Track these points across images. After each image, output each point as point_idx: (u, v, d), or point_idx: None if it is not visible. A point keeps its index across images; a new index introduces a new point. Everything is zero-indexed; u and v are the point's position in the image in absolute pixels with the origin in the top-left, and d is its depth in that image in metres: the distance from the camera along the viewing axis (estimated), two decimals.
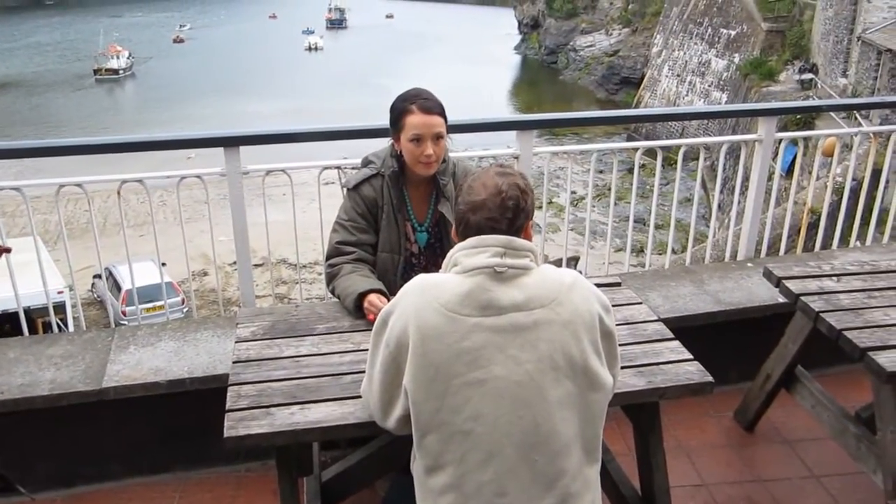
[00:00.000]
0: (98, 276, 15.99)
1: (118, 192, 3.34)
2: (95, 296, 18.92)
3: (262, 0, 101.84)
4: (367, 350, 1.89)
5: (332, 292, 2.61)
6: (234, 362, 2.24)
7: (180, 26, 75.40)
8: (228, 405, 2.03)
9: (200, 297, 17.71)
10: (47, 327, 8.08)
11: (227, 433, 1.93)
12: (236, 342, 2.35)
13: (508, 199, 1.75)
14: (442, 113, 2.54)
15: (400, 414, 1.76)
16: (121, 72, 54.30)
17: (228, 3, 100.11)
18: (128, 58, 56.14)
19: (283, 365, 2.22)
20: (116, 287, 17.15)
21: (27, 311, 3.52)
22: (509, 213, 1.75)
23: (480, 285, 1.69)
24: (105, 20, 77.07)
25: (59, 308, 13.69)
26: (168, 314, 3.71)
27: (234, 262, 3.69)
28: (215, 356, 3.01)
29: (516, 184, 1.77)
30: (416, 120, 2.50)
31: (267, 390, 2.10)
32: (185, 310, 15.73)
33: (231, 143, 3.31)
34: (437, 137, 2.52)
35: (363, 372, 1.94)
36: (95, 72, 53.48)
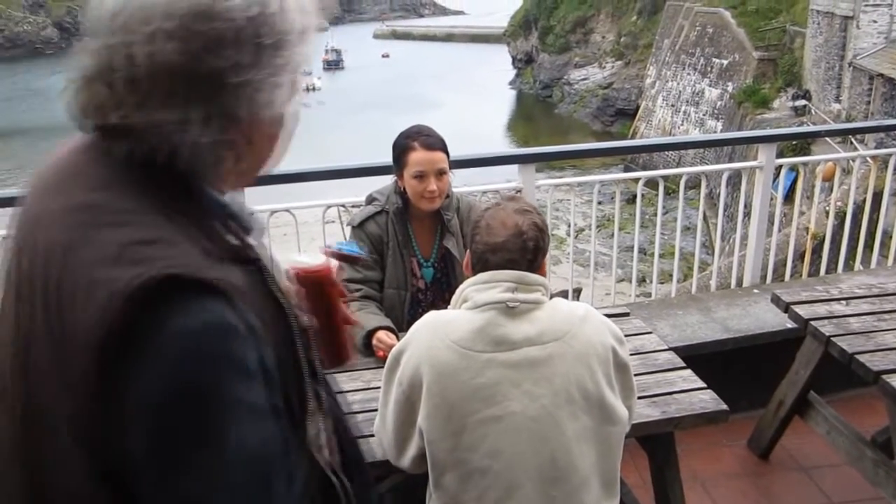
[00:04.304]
0: None
1: None
2: None
3: None
4: (377, 388, 1.87)
5: None
6: None
7: None
8: None
9: None
10: None
11: None
12: None
13: (529, 241, 1.71)
14: (444, 149, 2.57)
15: (414, 453, 1.74)
16: None
17: None
18: None
19: None
20: None
21: None
22: (529, 255, 1.71)
23: (492, 321, 1.67)
24: None
25: None
26: None
27: None
28: None
29: (535, 223, 1.73)
30: (418, 156, 2.52)
31: None
32: None
33: None
34: (440, 173, 2.54)
35: (374, 410, 1.91)
36: None
